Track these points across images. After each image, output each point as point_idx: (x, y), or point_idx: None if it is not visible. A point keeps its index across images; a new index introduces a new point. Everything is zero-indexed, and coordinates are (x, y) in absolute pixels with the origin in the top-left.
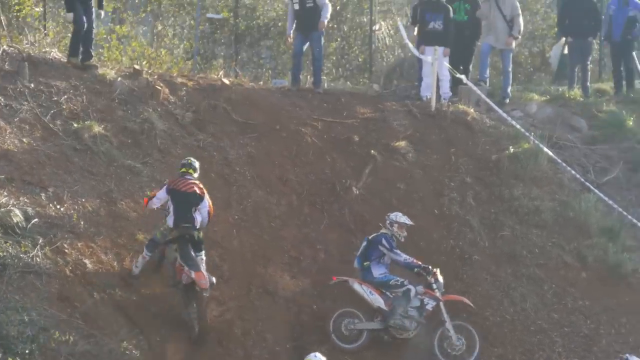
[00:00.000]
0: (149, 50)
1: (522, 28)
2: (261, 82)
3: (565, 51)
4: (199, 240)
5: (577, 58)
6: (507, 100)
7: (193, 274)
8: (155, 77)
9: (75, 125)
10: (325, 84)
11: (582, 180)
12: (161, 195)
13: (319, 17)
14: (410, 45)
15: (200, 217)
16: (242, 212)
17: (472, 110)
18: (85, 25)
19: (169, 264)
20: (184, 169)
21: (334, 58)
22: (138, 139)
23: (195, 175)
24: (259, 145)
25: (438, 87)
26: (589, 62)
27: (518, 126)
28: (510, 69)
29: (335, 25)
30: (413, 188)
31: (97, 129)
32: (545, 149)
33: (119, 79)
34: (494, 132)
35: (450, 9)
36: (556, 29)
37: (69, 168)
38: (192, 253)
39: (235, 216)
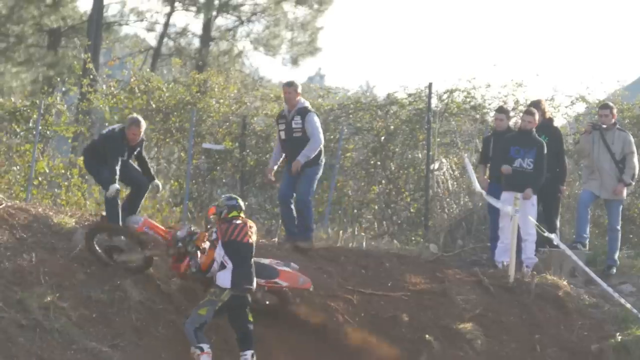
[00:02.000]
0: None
1: (636, 171)
2: (275, 239)
3: None
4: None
5: None
6: (614, 270)
7: None
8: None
9: (21, 293)
10: (364, 243)
11: None
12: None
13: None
14: (482, 191)
15: None
16: None
17: (565, 282)
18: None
19: None
20: (235, 212)
21: (376, 207)
22: (106, 313)
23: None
24: (271, 327)
25: (518, 251)
26: None
27: (629, 305)
28: (619, 227)
29: (378, 163)
30: None
31: (51, 298)
32: None
33: (81, 230)
34: (595, 313)
35: (545, 145)
36: None
37: (11, 351)
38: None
39: None
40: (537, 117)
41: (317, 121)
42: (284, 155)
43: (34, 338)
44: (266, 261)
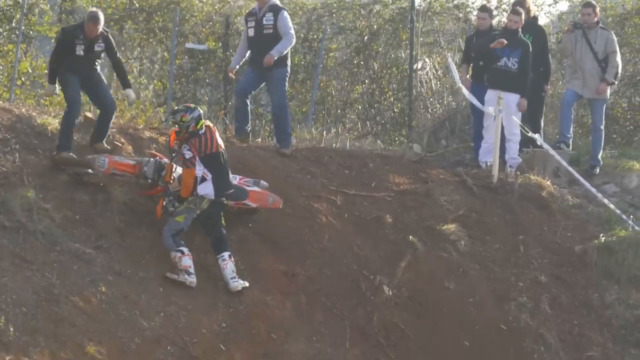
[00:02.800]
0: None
1: (619, 70)
2: (259, 139)
3: None
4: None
5: None
6: (598, 170)
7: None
8: (114, 129)
9: (4, 194)
10: (347, 143)
11: None
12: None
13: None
14: (466, 90)
15: None
16: (231, 318)
17: (548, 183)
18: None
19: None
20: (201, 122)
21: (360, 107)
22: (89, 214)
23: None
24: (255, 227)
25: (502, 151)
26: None
27: (612, 206)
28: (602, 127)
29: (361, 62)
30: (467, 289)
31: (34, 199)
32: None
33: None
34: (578, 213)
35: (530, 45)
36: None
37: None
38: None
39: (222, 324)
40: (523, 16)
41: (289, 19)
42: (248, 53)
43: (17, 239)
44: (235, 181)
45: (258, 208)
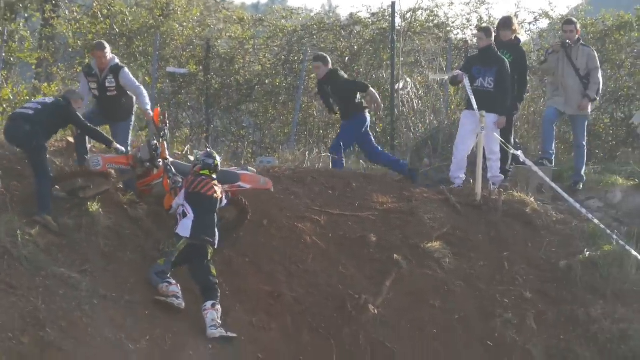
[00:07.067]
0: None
1: (600, 86)
2: (242, 161)
3: None
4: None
5: None
6: (581, 186)
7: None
8: (97, 152)
9: None
10: (330, 163)
11: None
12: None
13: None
14: (467, 82)
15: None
16: (218, 340)
17: (532, 199)
18: None
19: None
20: (206, 171)
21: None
22: (74, 238)
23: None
24: (240, 247)
25: (484, 170)
26: None
27: (596, 221)
28: (584, 143)
29: None
30: (452, 306)
31: (18, 225)
32: (634, 252)
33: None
34: (562, 229)
35: (507, 62)
36: None
37: None
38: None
39: (208, 345)
40: (491, 34)
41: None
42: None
43: (2, 265)
44: (225, 168)
45: (251, 189)
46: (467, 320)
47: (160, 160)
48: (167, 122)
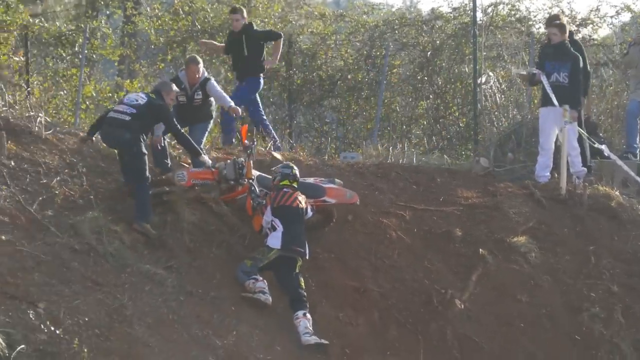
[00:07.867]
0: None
1: None
2: (325, 157)
3: None
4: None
5: None
6: None
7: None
8: (181, 149)
9: (73, 217)
10: (414, 159)
11: None
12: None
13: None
14: (545, 79)
15: None
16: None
17: (617, 193)
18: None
19: None
20: (286, 181)
21: (425, 123)
22: (159, 235)
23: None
24: (325, 243)
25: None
26: None
27: None
28: None
29: (425, 78)
30: (538, 301)
31: (103, 222)
32: None
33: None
34: None
35: (579, 57)
36: None
37: (66, 276)
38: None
39: (295, 341)
40: (565, 28)
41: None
42: None
43: (88, 262)
44: (310, 180)
45: (337, 204)
46: (554, 314)
47: (245, 179)
48: (255, 139)
